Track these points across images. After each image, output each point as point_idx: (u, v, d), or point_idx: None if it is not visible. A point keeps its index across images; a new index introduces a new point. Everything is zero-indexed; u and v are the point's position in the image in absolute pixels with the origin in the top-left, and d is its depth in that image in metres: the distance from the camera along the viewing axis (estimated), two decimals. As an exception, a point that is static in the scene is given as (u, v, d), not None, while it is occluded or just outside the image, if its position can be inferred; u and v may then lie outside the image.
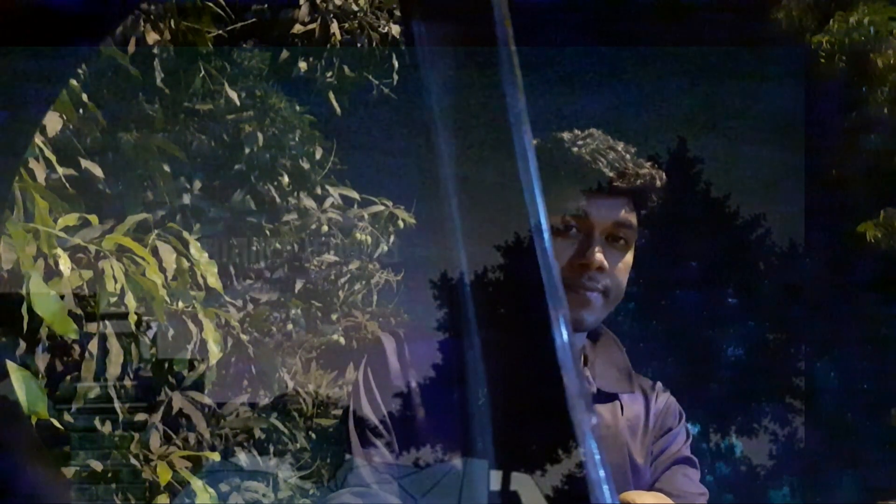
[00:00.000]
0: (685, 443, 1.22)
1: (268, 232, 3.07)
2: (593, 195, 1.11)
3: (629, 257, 1.15)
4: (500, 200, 0.89)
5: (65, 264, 1.82)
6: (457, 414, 0.92)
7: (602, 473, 0.59)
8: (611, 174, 1.11)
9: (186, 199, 2.89)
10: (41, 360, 2.06)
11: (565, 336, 0.60)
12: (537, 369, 0.85)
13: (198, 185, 2.97)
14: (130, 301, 1.91)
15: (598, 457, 0.59)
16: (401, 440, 0.98)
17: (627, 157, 1.13)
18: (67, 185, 2.15)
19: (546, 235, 0.63)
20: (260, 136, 3.11)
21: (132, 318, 1.95)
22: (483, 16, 0.57)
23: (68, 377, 2.16)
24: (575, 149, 1.13)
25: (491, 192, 0.90)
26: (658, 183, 1.15)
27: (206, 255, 2.20)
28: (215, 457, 2.44)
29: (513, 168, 0.91)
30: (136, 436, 2.35)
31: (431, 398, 1.01)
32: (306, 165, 3.27)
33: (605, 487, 0.59)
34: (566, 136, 1.15)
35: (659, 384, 1.26)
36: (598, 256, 1.09)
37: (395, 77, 3.40)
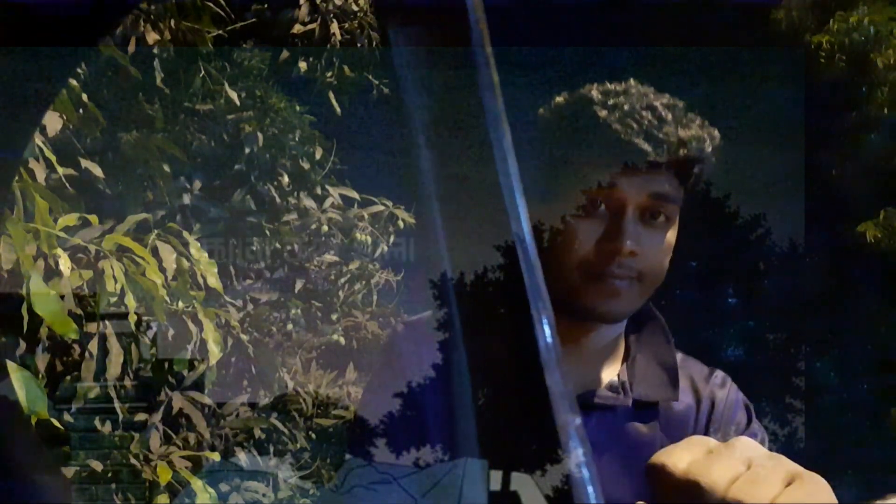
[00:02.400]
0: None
1: (268, 232, 3.07)
2: (625, 168, 0.90)
3: (671, 235, 0.94)
4: (501, 200, 0.87)
5: (65, 264, 1.82)
6: (457, 414, 0.92)
7: (587, 473, 0.58)
8: (646, 146, 0.89)
9: (186, 199, 2.89)
10: (41, 360, 2.06)
11: (549, 337, 0.59)
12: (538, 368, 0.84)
13: (198, 185, 2.97)
14: (130, 301, 1.91)
15: (583, 457, 0.58)
16: (402, 439, 0.96)
17: (670, 118, 0.91)
18: (67, 185, 2.15)
19: (529, 239, 0.61)
20: (260, 136, 3.11)
21: (132, 318, 1.95)
22: (461, 18, 0.56)
23: (68, 377, 2.16)
24: (604, 112, 0.91)
25: (492, 192, 0.89)
26: (708, 147, 0.93)
27: (206, 255, 2.20)
28: (215, 457, 2.44)
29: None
30: (136, 436, 2.35)
31: (432, 397, 0.99)
32: (306, 165, 3.27)
33: (590, 488, 0.58)
34: (595, 93, 0.94)
35: (718, 374, 1.03)
36: (629, 242, 0.89)
37: (396, 77, 3.40)
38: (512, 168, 0.57)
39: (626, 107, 0.91)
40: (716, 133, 0.94)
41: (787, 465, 0.60)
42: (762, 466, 0.59)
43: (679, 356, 1.02)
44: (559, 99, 0.98)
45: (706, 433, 0.97)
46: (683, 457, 0.60)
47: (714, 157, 0.94)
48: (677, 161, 0.91)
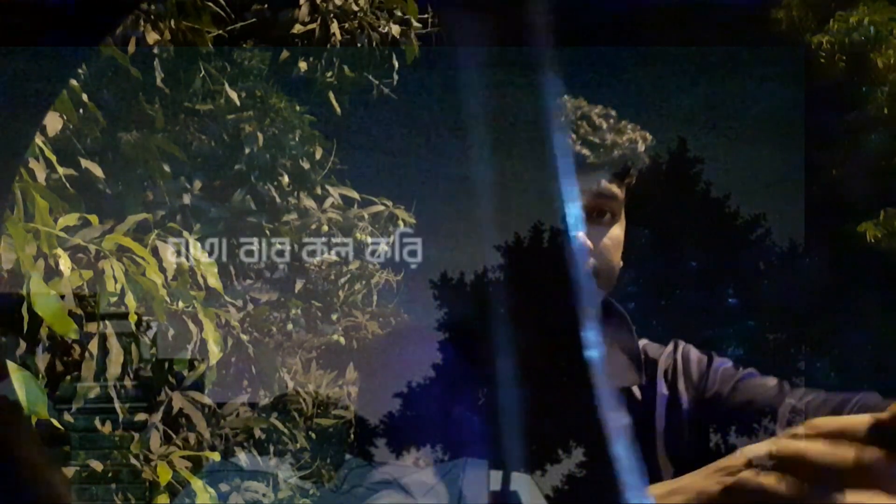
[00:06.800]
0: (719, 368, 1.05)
1: (268, 232, 3.07)
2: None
3: (617, 230, 1.03)
4: (510, 200, 0.89)
5: (65, 264, 1.82)
6: (457, 414, 0.92)
7: (635, 474, 0.58)
8: (584, 151, 0.99)
9: (186, 199, 2.89)
10: (41, 360, 2.06)
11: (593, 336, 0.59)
12: (557, 369, 0.85)
13: (198, 185, 2.97)
14: (130, 301, 1.91)
15: (628, 458, 0.58)
16: (401, 440, 0.96)
17: (604, 126, 1.01)
18: (67, 185, 2.15)
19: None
20: (260, 136, 3.11)
21: (132, 318, 1.95)
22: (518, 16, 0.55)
23: (68, 377, 2.16)
24: None
25: (508, 193, 0.92)
26: (641, 147, 1.03)
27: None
28: (215, 457, 2.44)
29: (514, 167, 0.92)
30: (136, 436, 2.35)
31: (432, 397, 0.99)
32: (306, 165, 3.27)
33: (638, 489, 0.58)
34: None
35: (670, 343, 1.10)
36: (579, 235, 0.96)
37: (395, 77, 3.41)
38: (563, 165, 0.57)
39: (561, 118, 1.00)
40: (647, 135, 1.03)
41: None
42: None
43: (642, 342, 1.08)
44: None
45: (672, 395, 1.04)
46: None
47: (647, 157, 1.03)
48: (613, 162, 1.00)
